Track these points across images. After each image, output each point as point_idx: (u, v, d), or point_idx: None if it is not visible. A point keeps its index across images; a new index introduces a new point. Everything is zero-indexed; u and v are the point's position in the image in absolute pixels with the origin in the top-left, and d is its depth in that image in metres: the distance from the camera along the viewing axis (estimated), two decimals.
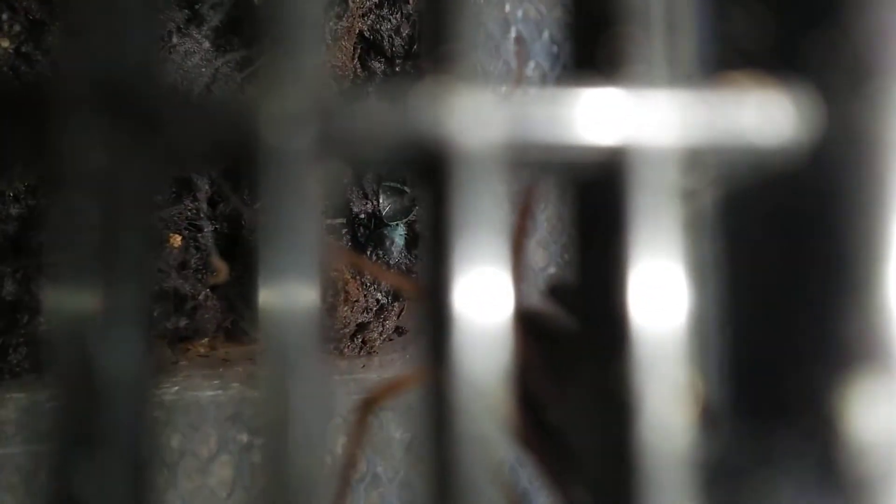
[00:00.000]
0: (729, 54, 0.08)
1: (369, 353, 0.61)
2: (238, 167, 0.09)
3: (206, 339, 0.58)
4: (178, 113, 0.08)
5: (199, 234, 0.52)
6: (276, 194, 0.08)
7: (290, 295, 0.08)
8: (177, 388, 0.49)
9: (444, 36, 0.08)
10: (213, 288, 0.54)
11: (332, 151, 0.08)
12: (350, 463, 0.17)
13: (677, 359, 0.08)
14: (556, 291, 0.14)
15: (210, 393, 0.48)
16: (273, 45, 0.08)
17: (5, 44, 0.48)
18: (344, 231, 0.56)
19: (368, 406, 0.18)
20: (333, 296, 0.57)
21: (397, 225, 0.59)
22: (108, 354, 0.08)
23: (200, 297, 0.55)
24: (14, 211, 0.50)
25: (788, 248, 0.08)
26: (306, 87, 0.08)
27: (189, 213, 0.55)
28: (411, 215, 0.58)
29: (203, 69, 0.53)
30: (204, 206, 0.53)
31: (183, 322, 0.56)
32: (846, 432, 0.07)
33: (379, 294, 0.57)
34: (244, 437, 0.47)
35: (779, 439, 0.08)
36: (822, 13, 0.08)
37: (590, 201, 0.08)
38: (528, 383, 0.14)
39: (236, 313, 0.54)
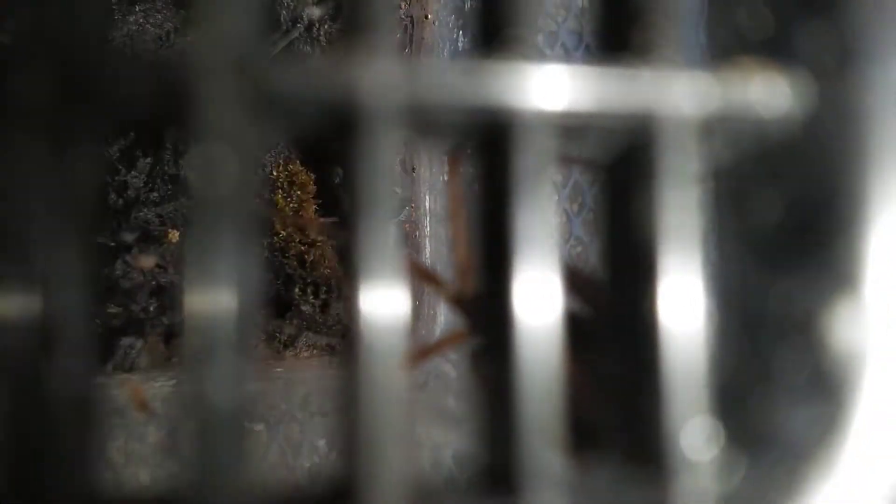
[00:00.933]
0: (736, 42, 0.10)
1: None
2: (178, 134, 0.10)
3: None
4: (122, 72, 0.08)
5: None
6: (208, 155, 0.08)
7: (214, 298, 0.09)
8: (174, 381, 0.50)
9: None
10: None
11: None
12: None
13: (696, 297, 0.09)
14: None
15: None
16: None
17: None
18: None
19: (423, 354, 0.19)
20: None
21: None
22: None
23: None
24: None
25: (785, 201, 0.10)
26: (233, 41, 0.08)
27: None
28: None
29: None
30: None
31: (179, 318, 0.57)
32: (830, 347, 0.09)
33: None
34: None
35: (777, 358, 0.09)
36: (814, 7, 0.10)
37: (621, 165, 0.10)
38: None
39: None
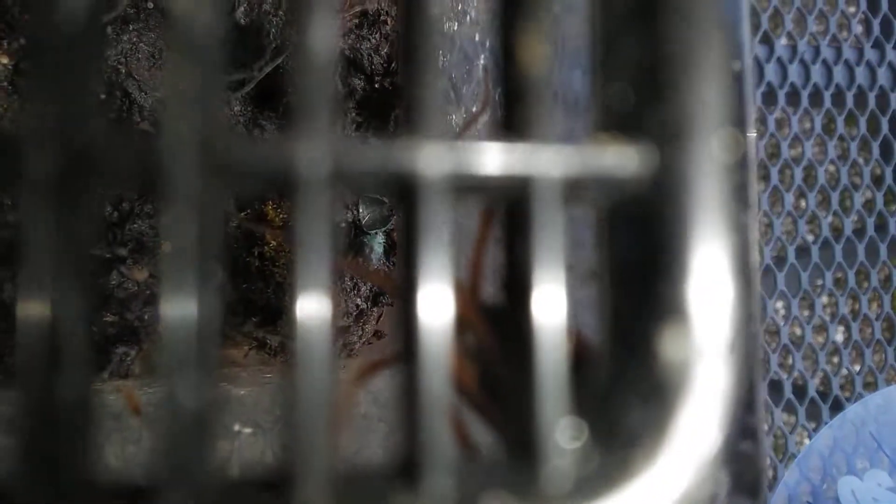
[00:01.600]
0: (599, 119, 0.13)
1: (349, 355, 0.63)
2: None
3: None
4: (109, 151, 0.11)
5: None
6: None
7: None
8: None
9: (419, 58, 0.12)
10: None
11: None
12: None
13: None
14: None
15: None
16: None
17: (4, 60, 0.52)
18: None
19: (358, 377, 0.21)
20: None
21: (376, 233, 0.63)
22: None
23: None
24: None
25: (636, 243, 0.12)
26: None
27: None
28: (389, 224, 0.62)
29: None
30: None
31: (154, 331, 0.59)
32: (662, 361, 0.12)
33: (359, 299, 0.61)
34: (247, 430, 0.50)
35: (627, 368, 0.12)
36: (658, 94, 0.12)
37: (510, 218, 0.12)
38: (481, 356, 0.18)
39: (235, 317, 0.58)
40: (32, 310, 0.11)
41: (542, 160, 0.12)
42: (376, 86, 0.57)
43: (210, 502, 0.10)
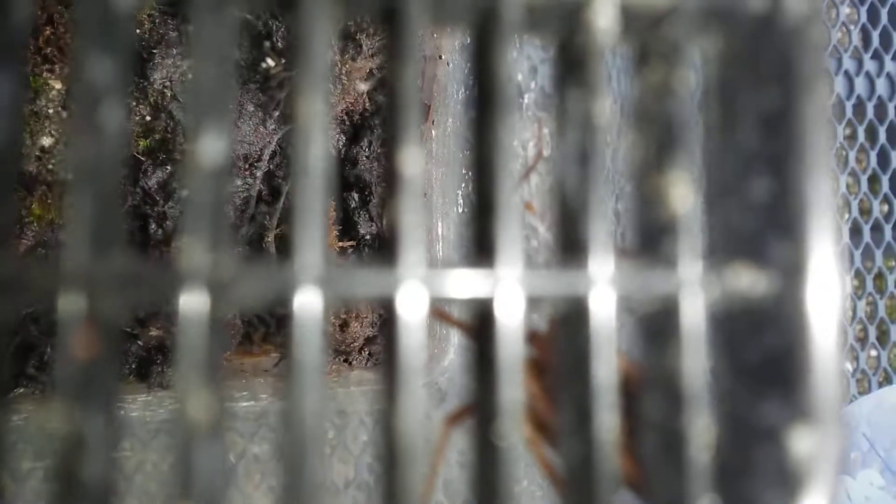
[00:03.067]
0: (727, 246, 0.15)
1: (375, 363, 0.66)
2: None
3: (228, 353, 0.63)
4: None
5: None
6: None
7: None
8: None
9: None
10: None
11: None
12: (432, 474, 0.23)
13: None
14: None
15: (244, 404, 0.53)
16: None
17: (58, 85, 0.53)
18: (351, 251, 0.62)
19: (450, 422, 0.24)
20: (346, 313, 0.63)
21: None
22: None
23: (229, 315, 0.60)
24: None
25: (763, 352, 0.15)
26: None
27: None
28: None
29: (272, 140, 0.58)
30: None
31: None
32: (792, 453, 0.14)
33: (383, 310, 0.63)
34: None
35: (756, 454, 0.15)
36: (783, 231, 0.15)
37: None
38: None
39: (249, 325, 0.60)
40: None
41: (689, 283, 0.15)
42: None
43: None
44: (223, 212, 0.13)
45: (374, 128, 0.62)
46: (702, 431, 0.15)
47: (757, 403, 0.15)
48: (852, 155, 0.81)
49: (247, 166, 0.59)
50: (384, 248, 0.14)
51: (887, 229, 0.79)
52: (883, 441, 0.61)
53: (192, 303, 0.12)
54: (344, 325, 0.63)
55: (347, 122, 0.63)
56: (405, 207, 0.13)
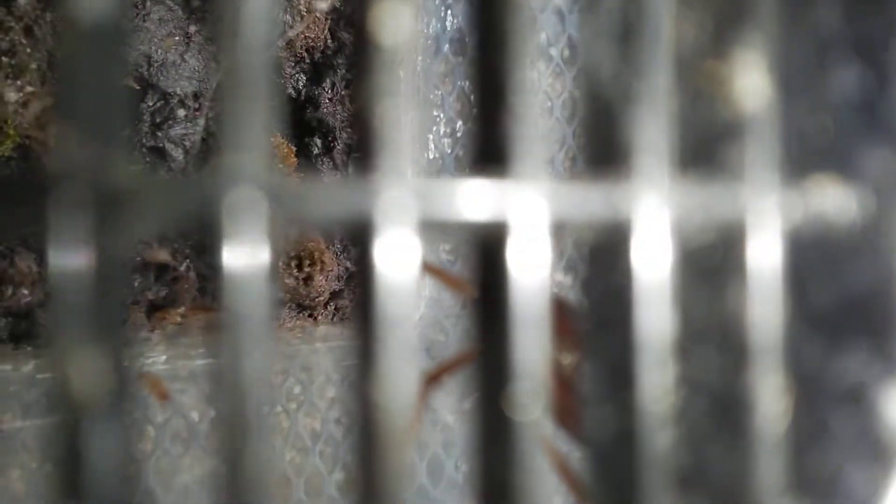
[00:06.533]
0: (810, 160, 0.12)
1: (342, 319, 0.63)
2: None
3: (182, 309, 0.59)
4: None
5: None
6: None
7: None
8: (165, 357, 0.50)
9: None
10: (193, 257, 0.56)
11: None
12: (410, 431, 0.20)
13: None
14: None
15: (200, 362, 0.49)
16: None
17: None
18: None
19: (430, 381, 0.21)
20: (310, 265, 0.59)
21: None
22: None
23: (182, 268, 0.56)
24: None
25: (844, 292, 0.12)
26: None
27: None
28: None
29: (176, 37, 0.53)
30: None
31: (163, 292, 0.57)
32: (881, 416, 0.11)
33: (349, 262, 0.60)
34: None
35: (834, 420, 0.12)
36: (877, 141, 0.11)
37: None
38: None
39: (206, 281, 0.56)
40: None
41: (760, 204, 0.11)
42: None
43: None
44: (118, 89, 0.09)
45: (337, 67, 0.58)
46: (773, 395, 0.11)
47: (839, 359, 0.12)
48: None
49: (196, 105, 0.54)
50: (355, 154, 0.10)
51: None
52: None
53: (75, 222, 0.08)
54: (308, 279, 0.60)
55: (308, 60, 0.59)
56: (382, 90, 0.09)
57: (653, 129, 0.11)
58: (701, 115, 0.12)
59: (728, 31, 0.12)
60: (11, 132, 0.50)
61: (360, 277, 0.11)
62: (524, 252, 0.10)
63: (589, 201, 0.11)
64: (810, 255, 0.12)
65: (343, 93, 0.58)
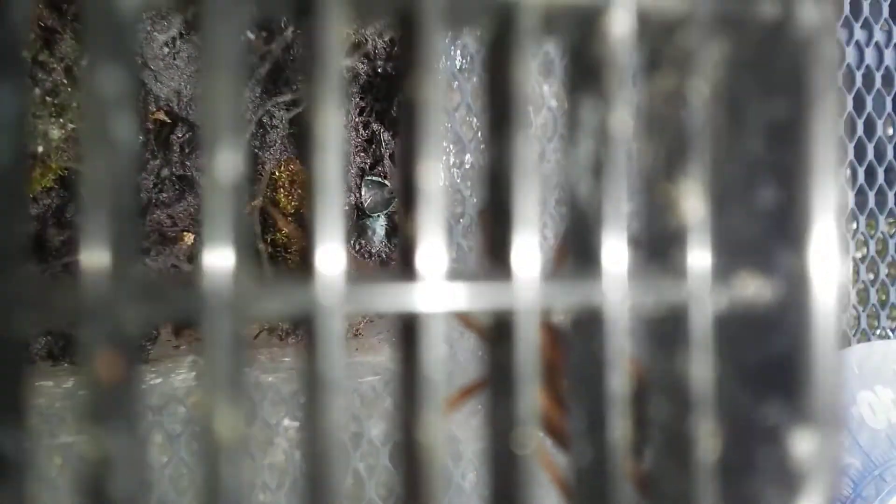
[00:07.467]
0: (737, 258, 0.16)
1: (354, 335, 0.66)
2: None
3: None
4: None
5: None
6: None
7: None
8: (193, 373, 0.54)
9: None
10: None
11: None
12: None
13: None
14: None
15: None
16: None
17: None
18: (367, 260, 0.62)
19: (449, 406, 0.24)
20: None
21: (378, 216, 0.65)
22: None
23: None
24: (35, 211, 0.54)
25: (765, 359, 0.16)
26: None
27: (192, 209, 0.60)
28: (391, 207, 0.64)
29: (254, 112, 0.57)
30: None
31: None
32: (791, 452, 0.15)
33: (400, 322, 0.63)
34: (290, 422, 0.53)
35: (758, 454, 0.16)
36: (789, 242, 0.15)
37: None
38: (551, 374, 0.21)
39: None
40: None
41: (698, 291, 0.15)
42: (378, 70, 0.59)
43: None
44: (242, 226, 0.12)
45: (350, 96, 0.61)
46: (707, 434, 0.15)
47: (760, 406, 0.16)
48: None
49: None
50: (401, 261, 0.14)
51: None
52: None
53: (215, 320, 0.12)
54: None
55: None
56: (425, 223, 0.13)
57: (617, 235, 0.15)
58: (656, 223, 0.16)
59: (676, 160, 0.15)
60: (54, 166, 0.54)
61: (403, 347, 0.15)
62: (525, 331, 0.14)
63: (571, 292, 0.15)
64: (737, 328, 0.16)
65: (356, 120, 0.62)
